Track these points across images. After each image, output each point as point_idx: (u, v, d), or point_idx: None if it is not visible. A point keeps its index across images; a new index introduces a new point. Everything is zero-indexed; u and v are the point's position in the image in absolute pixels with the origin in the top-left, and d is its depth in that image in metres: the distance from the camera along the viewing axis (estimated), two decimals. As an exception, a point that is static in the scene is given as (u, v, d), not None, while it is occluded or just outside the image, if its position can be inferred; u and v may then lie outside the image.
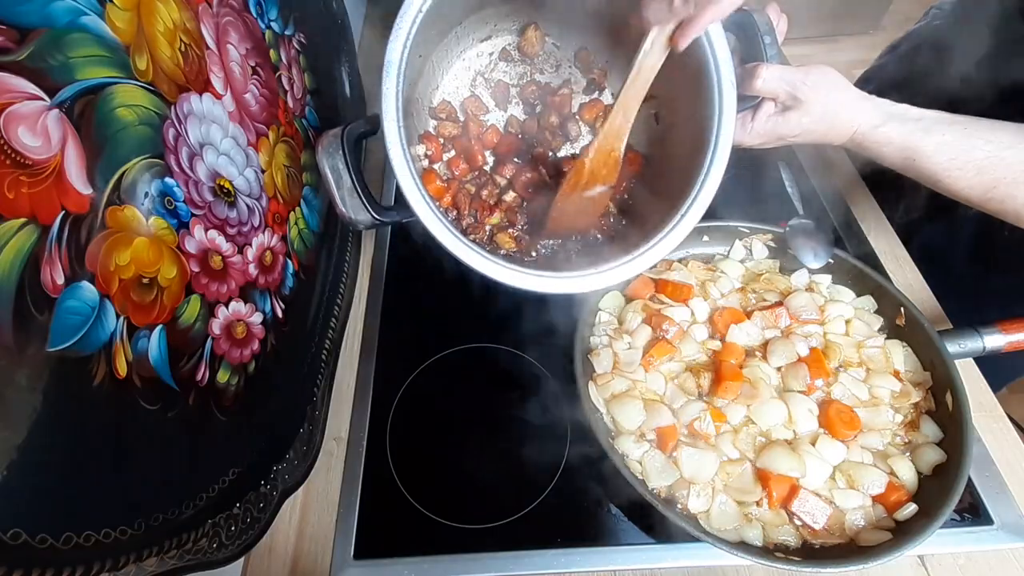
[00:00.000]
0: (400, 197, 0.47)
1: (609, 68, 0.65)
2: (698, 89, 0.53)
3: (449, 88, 0.64)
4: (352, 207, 0.50)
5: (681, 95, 0.57)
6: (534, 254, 0.62)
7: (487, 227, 0.61)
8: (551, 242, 0.62)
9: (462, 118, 0.65)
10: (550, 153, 0.65)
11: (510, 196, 0.63)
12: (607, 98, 0.66)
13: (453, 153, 0.64)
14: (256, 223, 0.50)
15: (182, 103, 0.39)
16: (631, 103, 0.51)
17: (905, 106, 0.54)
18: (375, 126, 0.47)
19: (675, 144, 0.60)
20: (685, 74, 0.53)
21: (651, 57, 0.48)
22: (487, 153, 0.65)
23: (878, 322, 0.63)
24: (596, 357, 0.60)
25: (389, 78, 0.46)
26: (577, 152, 0.66)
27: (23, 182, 0.27)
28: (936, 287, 0.73)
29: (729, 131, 0.51)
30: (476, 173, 0.64)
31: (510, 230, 0.61)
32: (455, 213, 0.62)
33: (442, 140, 0.64)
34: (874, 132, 0.53)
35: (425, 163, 0.63)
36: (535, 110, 0.66)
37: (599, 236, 0.63)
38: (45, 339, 0.28)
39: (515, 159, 0.64)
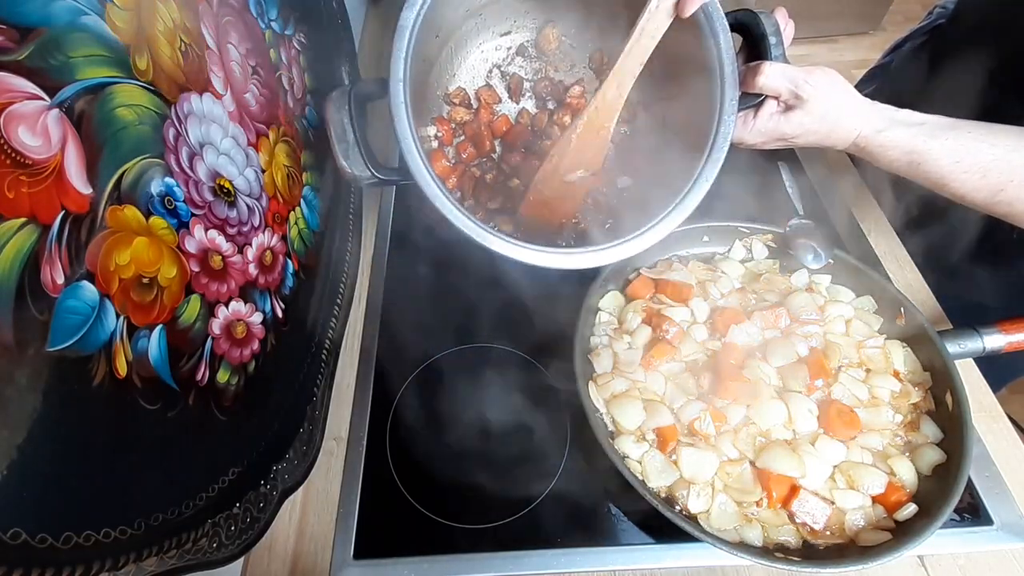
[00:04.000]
0: (401, 160, 0.48)
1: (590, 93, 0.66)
2: (701, 85, 0.53)
3: (465, 77, 0.66)
4: (353, 162, 0.52)
5: (685, 91, 0.57)
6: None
7: (487, 210, 0.62)
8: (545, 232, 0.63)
9: (475, 105, 0.66)
10: None
11: (514, 183, 0.64)
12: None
13: (463, 138, 0.65)
14: (256, 223, 0.50)
15: (182, 103, 0.39)
16: (627, 74, 0.48)
17: (907, 111, 0.54)
18: (383, 89, 0.49)
19: (677, 139, 0.61)
20: (690, 70, 0.54)
21: (654, 21, 0.45)
22: (496, 141, 0.66)
23: (878, 322, 0.63)
24: (596, 357, 0.60)
25: (400, 41, 0.47)
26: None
27: (23, 182, 0.26)
28: (936, 287, 0.73)
29: (729, 125, 0.51)
30: (483, 159, 0.65)
31: (510, 214, 0.62)
32: (458, 194, 0.63)
33: (453, 125, 0.65)
34: (877, 136, 0.53)
35: (435, 144, 0.64)
36: (546, 105, 0.67)
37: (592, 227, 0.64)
38: (45, 339, 0.28)
39: (522, 149, 0.65)
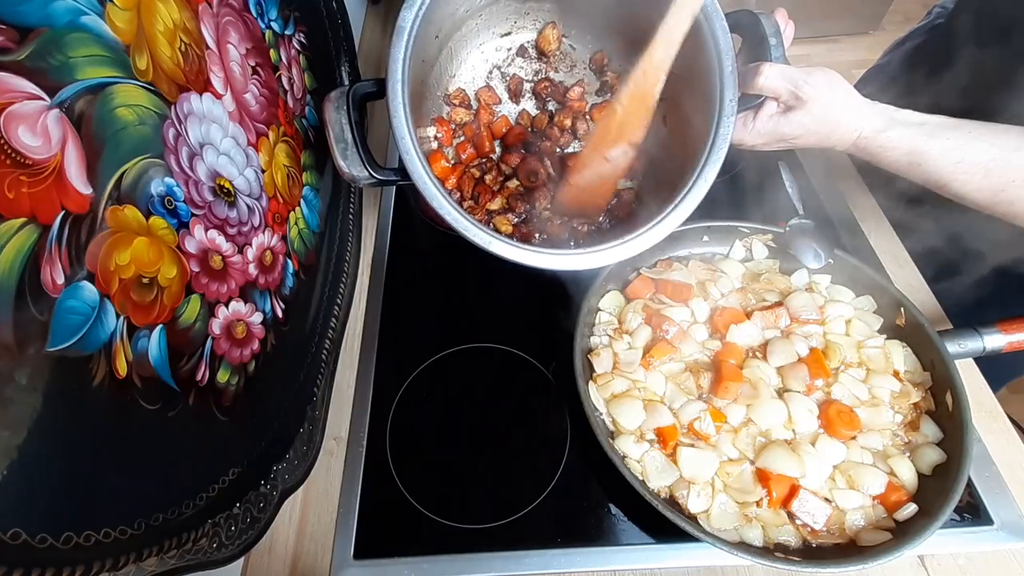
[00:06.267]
0: (400, 160, 0.48)
1: (622, 73, 0.66)
2: (701, 86, 0.53)
3: (465, 77, 0.66)
4: (351, 162, 0.52)
5: (685, 93, 0.57)
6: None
7: (487, 211, 0.62)
8: (545, 234, 0.63)
9: (475, 106, 0.66)
10: (557, 148, 0.66)
11: (513, 184, 0.64)
12: None
13: (463, 139, 0.65)
14: (256, 223, 0.50)
15: (182, 103, 0.39)
16: (676, 29, 0.45)
17: (908, 111, 0.54)
18: (382, 89, 0.49)
19: (677, 140, 0.61)
20: (690, 71, 0.54)
21: None
22: (495, 142, 0.66)
23: (878, 322, 0.63)
24: (596, 357, 0.60)
25: (399, 41, 0.47)
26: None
27: (23, 182, 0.26)
28: (936, 287, 0.73)
29: (728, 126, 0.51)
30: (483, 160, 0.65)
31: (509, 215, 0.62)
32: (458, 195, 0.63)
33: (453, 125, 0.65)
34: (878, 136, 0.53)
35: (434, 145, 0.64)
36: (547, 106, 0.67)
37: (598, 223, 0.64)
38: (45, 339, 0.28)
39: (522, 150, 0.65)
